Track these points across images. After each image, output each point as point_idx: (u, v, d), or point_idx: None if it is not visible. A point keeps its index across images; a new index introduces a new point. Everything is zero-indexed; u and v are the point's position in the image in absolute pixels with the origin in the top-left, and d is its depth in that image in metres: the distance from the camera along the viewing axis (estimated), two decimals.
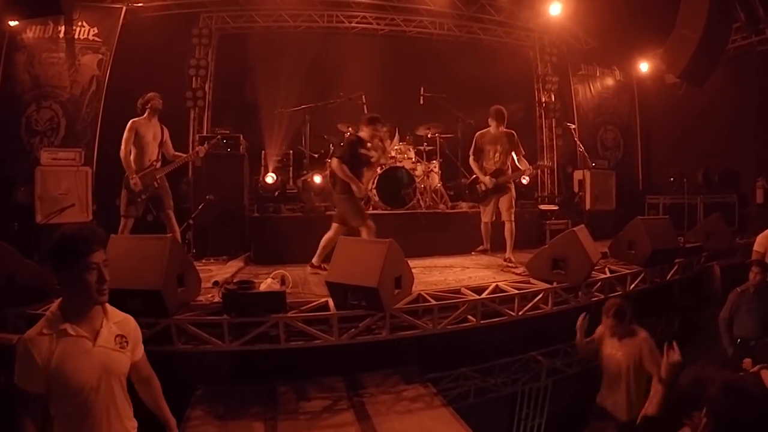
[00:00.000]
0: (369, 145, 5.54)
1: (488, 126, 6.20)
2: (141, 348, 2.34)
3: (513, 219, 6.10)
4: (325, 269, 5.13)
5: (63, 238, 2.04)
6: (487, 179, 6.12)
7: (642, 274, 5.54)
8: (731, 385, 1.99)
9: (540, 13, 9.38)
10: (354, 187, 5.29)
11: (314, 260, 5.53)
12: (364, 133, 5.53)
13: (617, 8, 8.24)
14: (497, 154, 6.14)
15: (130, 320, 2.30)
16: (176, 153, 5.78)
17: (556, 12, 8.98)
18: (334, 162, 5.34)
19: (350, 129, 7.48)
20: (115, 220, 5.51)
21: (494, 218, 6.26)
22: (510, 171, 6.23)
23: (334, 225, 5.50)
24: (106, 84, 7.53)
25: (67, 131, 7.35)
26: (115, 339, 2.15)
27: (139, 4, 7.99)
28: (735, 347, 4.78)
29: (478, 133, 6.27)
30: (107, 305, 2.19)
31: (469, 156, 6.34)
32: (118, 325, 2.20)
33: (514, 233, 6.09)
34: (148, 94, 5.55)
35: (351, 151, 5.38)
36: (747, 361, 3.50)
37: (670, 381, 3.11)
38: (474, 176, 6.34)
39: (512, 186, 6.21)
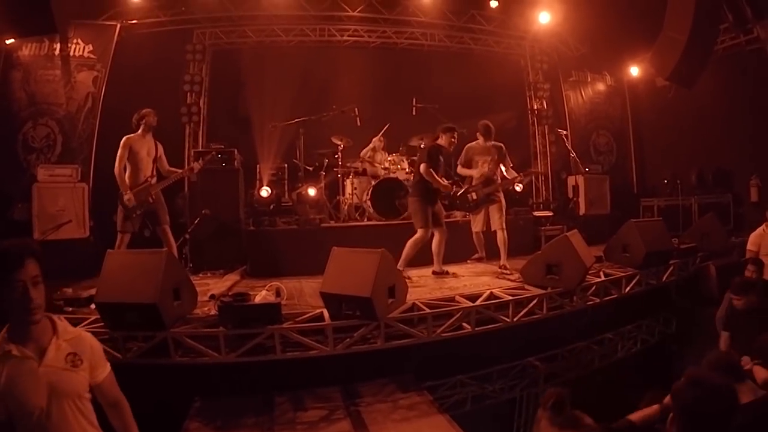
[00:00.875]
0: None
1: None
2: (105, 369, 2.17)
3: (504, 227, 6.16)
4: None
5: None
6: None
7: (637, 277, 5.56)
8: (695, 377, 2.03)
9: (530, 22, 9.48)
10: (441, 188, 5.81)
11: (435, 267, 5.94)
12: (442, 141, 5.87)
13: (606, 14, 8.32)
14: (486, 165, 6.25)
15: (85, 337, 2.14)
16: (171, 168, 5.85)
17: (546, 20, 9.09)
18: (423, 167, 5.71)
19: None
20: (113, 236, 5.56)
21: (485, 228, 6.33)
22: (499, 180, 6.33)
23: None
24: (102, 100, 7.56)
25: (64, 148, 7.38)
26: (66, 357, 1.99)
27: (134, 21, 8.07)
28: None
29: (468, 145, 6.44)
30: (59, 322, 2.06)
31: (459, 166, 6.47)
32: (69, 342, 2.03)
33: (507, 241, 6.14)
34: (143, 111, 5.62)
35: (434, 157, 5.77)
36: (745, 359, 3.51)
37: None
38: (465, 186, 6.42)
39: (501, 195, 6.29)
